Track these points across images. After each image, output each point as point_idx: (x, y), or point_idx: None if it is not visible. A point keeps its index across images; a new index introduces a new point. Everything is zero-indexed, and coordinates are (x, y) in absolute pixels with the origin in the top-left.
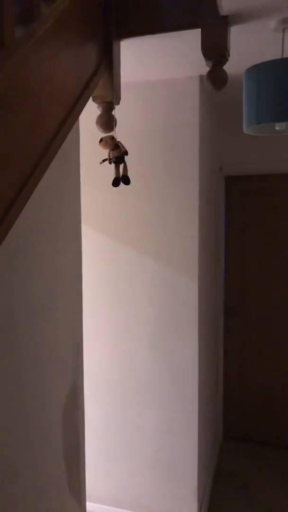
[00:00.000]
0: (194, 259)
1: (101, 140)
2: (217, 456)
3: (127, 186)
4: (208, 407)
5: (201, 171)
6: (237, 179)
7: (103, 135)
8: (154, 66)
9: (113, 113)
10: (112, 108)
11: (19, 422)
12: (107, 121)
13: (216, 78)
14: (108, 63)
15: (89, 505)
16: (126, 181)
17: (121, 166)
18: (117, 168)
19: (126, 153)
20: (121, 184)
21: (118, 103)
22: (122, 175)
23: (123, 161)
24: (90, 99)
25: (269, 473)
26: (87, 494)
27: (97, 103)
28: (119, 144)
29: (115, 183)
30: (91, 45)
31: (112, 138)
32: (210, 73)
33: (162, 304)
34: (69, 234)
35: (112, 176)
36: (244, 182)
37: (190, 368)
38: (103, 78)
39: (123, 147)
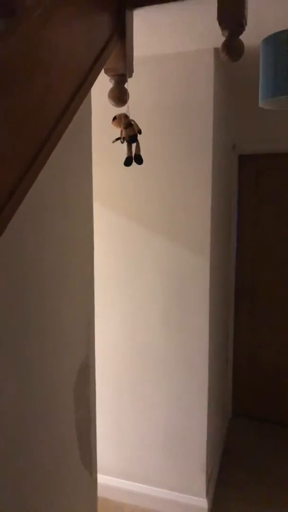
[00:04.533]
0: (206, 237)
1: (114, 118)
2: (226, 434)
3: (139, 165)
4: (217, 385)
5: (214, 149)
6: (250, 158)
7: (116, 112)
8: (167, 38)
9: (125, 86)
10: (125, 81)
11: (31, 395)
12: (119, 94)
13: (232, 48)
14: (121, 33)
15: (100, 477)
16: (139, 160)
17: (134, 145)
18: (129, 147)
19: (139, 131)
20: (133, 163)
21: (130, 76)
22: (135, 154)
23: (136, 140)
24: (102, 71)
25: (277, 451)
26: (98, 466)
27: (109, 75)
28: (132, 122)
29: (128, 162)
30: (103, 14)
31: (126, 116)
32: (225, 43)
33: (173, 282)
34: (81, 210)
35: (123, 154)
36: (258, 160)
37: (200, 345)
38: (116, 50)
39: (137, 125)
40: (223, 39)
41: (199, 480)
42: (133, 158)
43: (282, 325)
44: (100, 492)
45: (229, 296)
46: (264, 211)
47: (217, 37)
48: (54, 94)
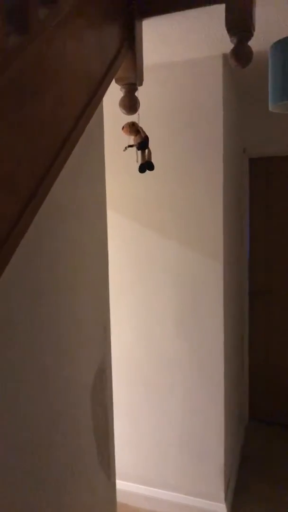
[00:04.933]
0: (219, 240)
1: (123, 127)
2: (243, 438)
3: (150, 171)
4: (233, 388)
5: (224, 153)
6: (261, 161)
7: (126, 119)
8: (176, 46)
9: (136, 94)
10: (135, 90)
11: (46, 400)
12: (130, 103)
13: (241, 54)
14: (130, 43)
15: (117, 482)
16: (150, 167)
17: (147, 151)
18: (142, 154)
19: (146, 138)
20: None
21: (141, 85)
22: (146, 161)
23: (146, 146)
24: (113, 81)
25: None
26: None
27: (120, 85)
28: (139, 129)
29: (142, 169)
30: (114, 25)
31: (133, 124)
32: (234, 49)
33: (187, 286)
34: (95, 215)
35: (133, 160)
36: (268, 163)
37: (215, 349)
38: (126, 59)
39: (143, 132)
40: (231, 45)
41: (217, 485)
42: (144, 165)
43: None
44: (117, 497)
45: (243, 299)
46: (276, 213)
47: (226, 43)
48: (67, 105)
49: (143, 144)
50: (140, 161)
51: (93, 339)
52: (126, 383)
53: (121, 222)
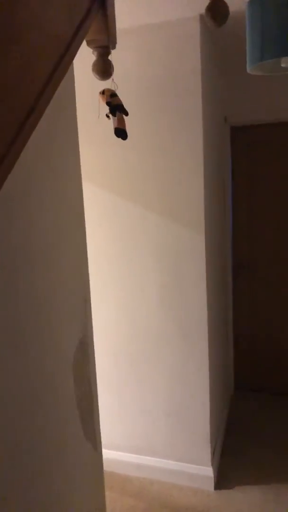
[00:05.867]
0: (200, 212)
1: (102, 92)
2: (229, 406)
3: (126, 139)
4: (218, 358)
5: (204, 121)
6: (243, 129)
7: (102, 86)
8: (151, 6)
9: (110, 58)
10: (108, 53)
11: (27, 373)
12: (103, 67)
13: (216, 11)
14: (101, 2)
15: (106, 452)
16: (120, 134)
17: (116, 118)
18: (115, 119)
19: (117, 103)
20: (120, 138)
21: (114, 47)
22: (117, 127)
23: (123, 109)
24: (84, 44)
25: (280, 421)
26: (103, 441)
27: (91, 47)
28: (115, 92)
29: (116, 133)
30: None
31: (108, 90)
32: (210, 6)
33: (169, 259)
34: (70, 187)
35: (111, 131)
36: (250, 132)
37: (199, 320)
38: (97, 20)
39: (117, 98)
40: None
41: (204, 450)
42: (115, 132)
43: (282, 298)
44: (108, 466)
45: (227, 270)
46: (259, 182)
47: (203, 3)
48: (33, 68)
49: (113, 109)
50: (115, 125)
51: (74, 312)
52: (110, 355)
53: (100, 195)
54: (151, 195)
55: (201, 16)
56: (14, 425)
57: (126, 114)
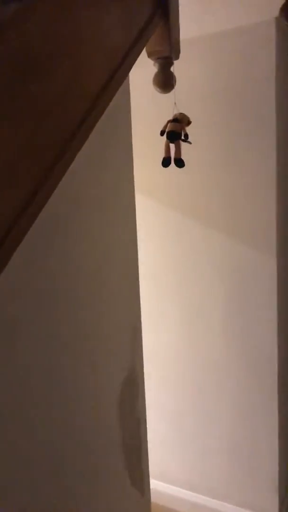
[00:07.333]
0: (272, 231)
1: (175, 119)
2: None
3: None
4: None
5: (278, 131)
6: None
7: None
8: (220, 13)
9: (172, 70)
10: (171, 64)
11: (66, 411)
12: (164, 79)
13: None
14: (164, 11)
15: (163, 485)
16: (179, 163)
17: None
18: (168, 145)
19: (186, 136)
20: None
21: (177, 58)
22: (174, 158)
23: (178, 138)
24: (145, 54)
25: None
26: (160, 474)
27: (152, 59)
28: (178, 117)
29: (164, 163)
30: None
31: (182, 115)
32: (284, 6)
33: (234, 284)
34: (122, 206)
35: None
36: None
37: (268, 351)
38: (159, 30)
39: (187, 117)
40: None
41: (271, 497)
42: (174, 161)
43: None
44: (163, 502)
45: None
46: None
47: (278, 5)
48: (85, 81)
49: (175, 135)
50: (164, 154)
51: (119, 344)
52: (169, 387)
53: (157, 211)
54: (215, 211)
55: (277, 19)
56: (49, 468)
57: (190, 143)
